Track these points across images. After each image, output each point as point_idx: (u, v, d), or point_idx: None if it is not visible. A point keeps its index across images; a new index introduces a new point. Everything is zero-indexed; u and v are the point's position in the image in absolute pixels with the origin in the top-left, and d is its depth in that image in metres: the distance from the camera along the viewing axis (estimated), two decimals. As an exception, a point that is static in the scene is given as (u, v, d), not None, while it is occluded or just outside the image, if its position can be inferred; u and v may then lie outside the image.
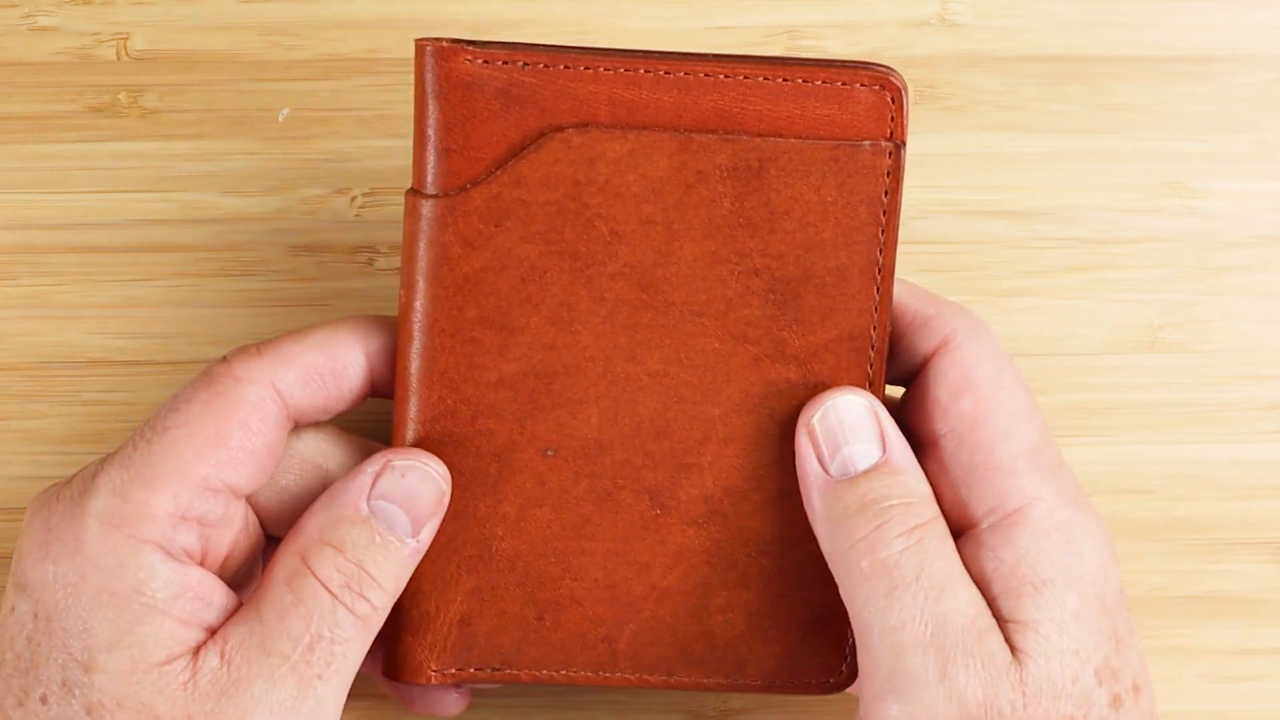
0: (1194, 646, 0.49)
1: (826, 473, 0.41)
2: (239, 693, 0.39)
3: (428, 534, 0.41)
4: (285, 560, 0.40)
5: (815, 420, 0.41)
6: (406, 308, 0.41)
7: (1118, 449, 0.49)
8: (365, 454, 0.43)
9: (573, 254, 0.41)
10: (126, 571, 0.39)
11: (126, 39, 0.49)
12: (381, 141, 0.49)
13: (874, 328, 0.42)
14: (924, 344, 0.43)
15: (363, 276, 0.49)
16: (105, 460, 0.41)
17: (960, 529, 0.42)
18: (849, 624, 0.42)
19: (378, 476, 0.41)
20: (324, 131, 0.49)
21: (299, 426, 0.42)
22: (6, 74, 0.49)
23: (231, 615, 0.40)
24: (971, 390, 0.41)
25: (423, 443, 0.42)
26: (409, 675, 0.43)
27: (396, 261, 0.48)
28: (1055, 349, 0.49)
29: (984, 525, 0.41)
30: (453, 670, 0.43)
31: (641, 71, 0.41)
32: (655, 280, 0.41)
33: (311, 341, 0.42)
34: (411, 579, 0.42)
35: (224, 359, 0.41)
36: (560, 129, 0.41)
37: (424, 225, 0.41)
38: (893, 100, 0.41)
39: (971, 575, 0.41)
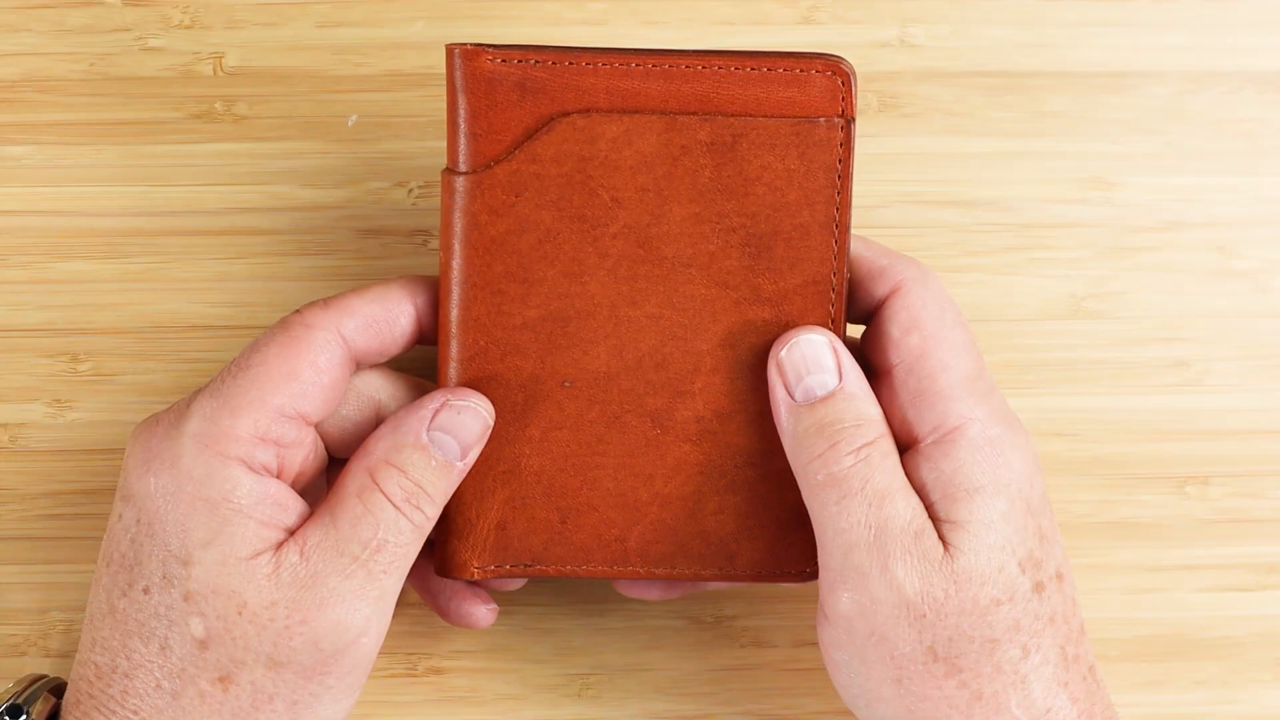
0: (1111, 564, 0.51)
1: (792, 398, 0.43)
2: (316, 584, 0.41)
3: (472, 457, 0.44)
4: (355, 476, 0.43)
5: (783, 354, 0.43)
6: (445, 267, 0.44)
7: (1048, 400, 0.51)
8: (414, 390, 0.46)
9: (580, 217, 0.44)
10: (216, 482, 0.41)
11: (221, 57, 0.51)
12: (434, 143, 0.51)
13: (834, 274, 0.44)
14: (879, 289, 0.44)
15: (418, 255, 0.51)
16: (197, 392, 0.43)
17: (907, 445, 0.44)
18: None
19: (437, 412, 0.43)
20: (386, 134, 0.51)
21: (359, 367, 0.45)
22: (121, 86, 0.51)
23: (305, 520, 0.43)
24: (918, 328, 0.43)
25: (462, 379, 0.44)
26: (456, 572, 0.45)
27: None
28: (995, 316, 0.51)
29: (927, 441, 0.43)
30: (491, 567, 0.45)
31: (633, 65, 0.43)
32: (650, 238, 0.44)
33: (370, 295, 0.44)
34: (456, 494, 0.44)
35: (297, 311, 0.44)
36: (566, 114, 0.43)
37: (457, 198, 0.43)
38: (843, 84, 0.43)
39: (915, 484, 0.43)
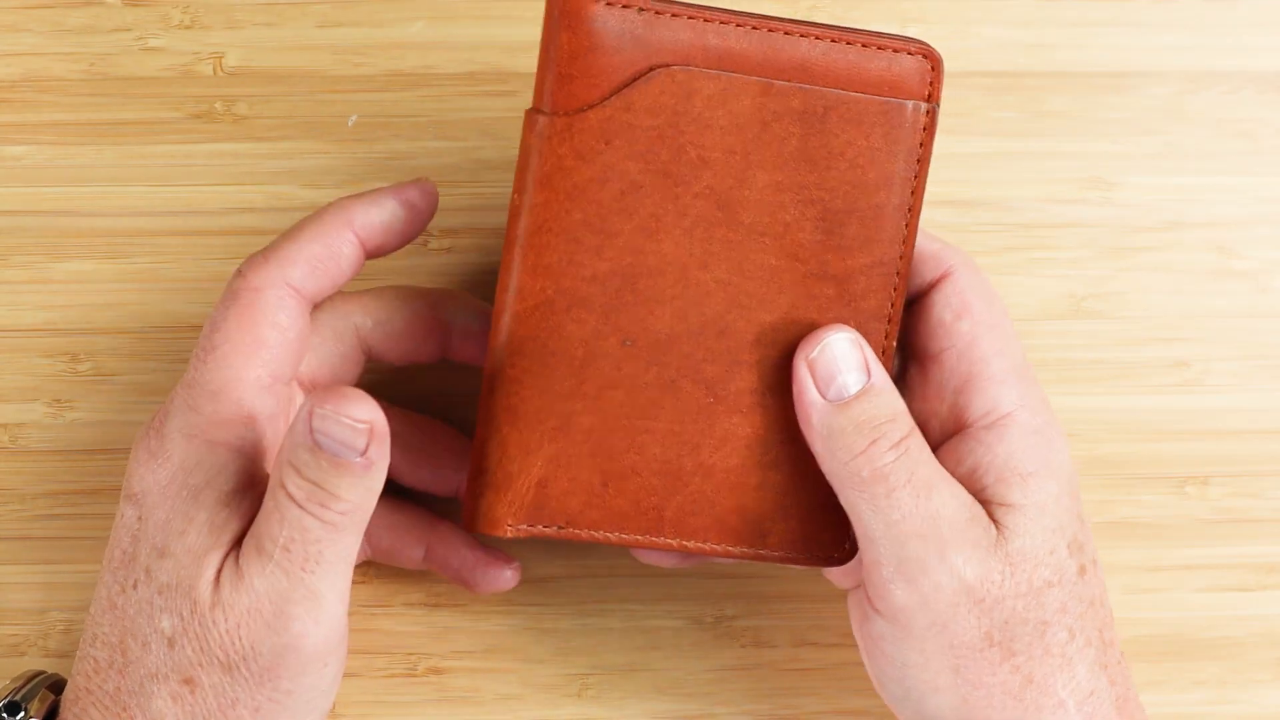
0: (1111, 564, 0.51)
1: (824, 398, 0.43)
2: (242, 586, 0.40)
3: (376, 452, 0.40)
4: (273, 471, 0.41)
5: (814, 355, 0.43)
6: (518, 209, 0.43)
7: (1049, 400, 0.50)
8: (386, 305, 0.45)
9: (665, 173, 0.43)
10: (202, 468, 0.41)
11: (221, 57, 0.51)
12: (434, 143, 0.51)
13: (900, 258, 0.44)
14: (929, 273, 0.45)
15: (419, 256, 0.51)
16: (175, 388, 0.43)
17: (957, 428, 0.44)
18: None
19: (309, 418, 0.39)
20: (386, 135, 0.51)
21: (316, 306, 0.44)
22: (121, 86, 0.51)
23: None
24: (969, 314, 0.44)
25: (523, 329, 0.43)
26: (489, 528, 0.44)
27: (446, 243, 0.51)
28: None
29: (979, 425, 0.43)
30: (524, 526, 0.44)
31: (734, 25, 0.43)
32: (730, 201, 0.43)
33: (306, 236, 0.43)
34: (498, 446, 0.43)
35: (239, 273, 0.43)
36: (667, 66, 0.42)
37: (543, 139, 0.42)
38: (933, 68, 0.43)
39: (966, 467, 0.43)
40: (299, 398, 0.44)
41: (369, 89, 0.51)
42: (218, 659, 0.41)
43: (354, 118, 0.51)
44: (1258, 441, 0.52)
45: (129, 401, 0.51)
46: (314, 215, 0.44)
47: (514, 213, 0.43)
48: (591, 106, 0.42)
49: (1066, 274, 0.52)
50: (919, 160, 0.44)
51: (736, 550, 0.45)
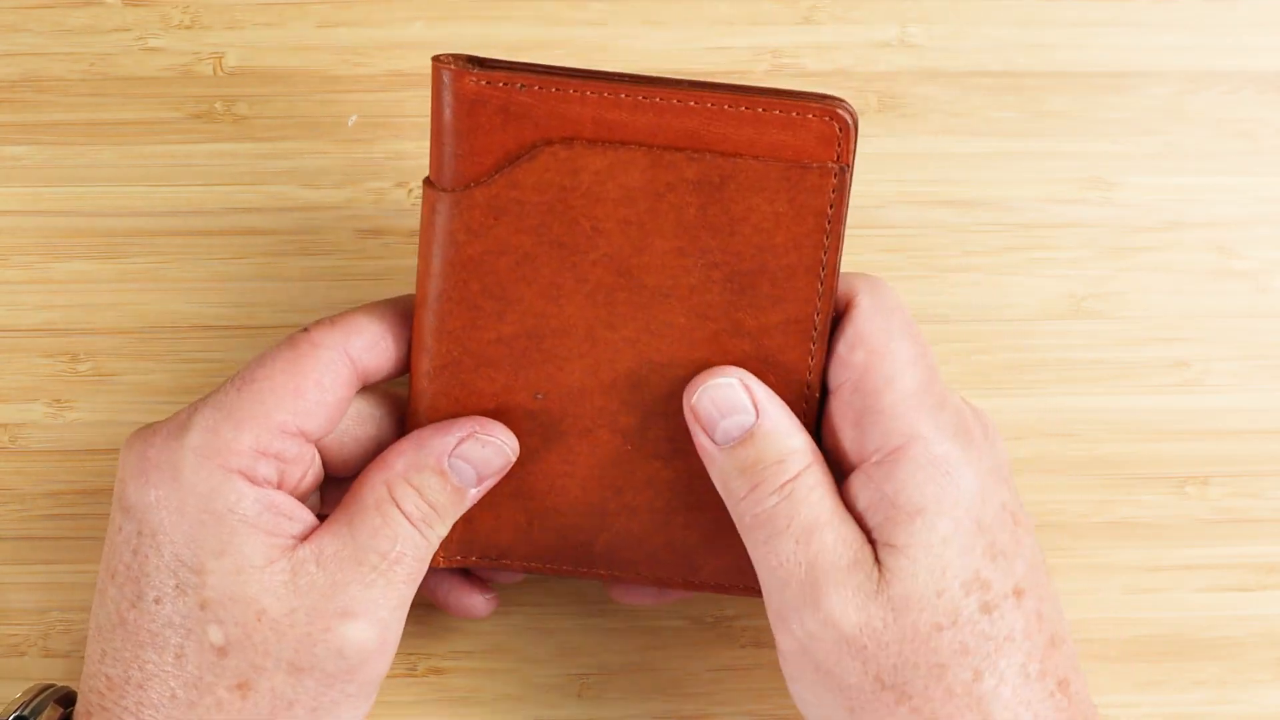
0: (1111, 564, 0.51)
1: (714, 441, 0.42)
2: (337, 593, 0.41)
3: (486, 487, 0.44)
4: (373, 489, 0.43)
5: (695, 400, 0.43)
6: (423, 278, 0.43)
7: (1047, 399, 0.51)
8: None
9: (560, 244, 0.42)
10: (219, 495, 0.41)
11: (221, 57, 0.51)
12: None
13: (816, 314, 0.43)
14: (835, 311, 0.44)
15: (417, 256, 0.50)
16: (198, 404, 0.43)
17: (855, 464, 0.43)
18: None
19: (463, 440, 0.43)
20: (386, 134, 0.51)
21: (363, 385, 0.44)
22: (121, 86, 0.51)
23: (312, 530, 0.42)
24: (863, 343, 0.42)
25: (434, 387, 0.44)
26: None
27: None
28: (995, 316, 0.51)
29: (872, 461, 0.42)
30: (458, 557, 0.46)
31: (622, 96, 0.41)
32: (630, 267, 0.43)
33: (376, 313, 0.44)
34: None
35: (304, 329, 0.43)
36: (550, 143, 0.42)
37: (437, 214, 0.42)
38: (840, 130, 0.41)
39: (859, 507, 0.42)
40: (318, 462, 0.44)
41: (369, 89, 0.51)
42: (286, 662, 0.41)
43: (354, 118, 0.51)
44: (1258, 441, 0.52)
45: (129, 401, 0.51)
46: (385, 300, 0.45)
47: (420, 281, 0.44)
48: (479, 183, 0.42)
49: (1066, 274, 0.52)
50: (830, 220, 0.42)
51: (670, 580, 0.46)
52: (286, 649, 0.41)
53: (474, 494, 0.44)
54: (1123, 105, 0.52)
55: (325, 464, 0.45)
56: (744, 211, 0.42)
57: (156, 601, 0.41)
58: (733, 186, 0.42)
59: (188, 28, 0.51)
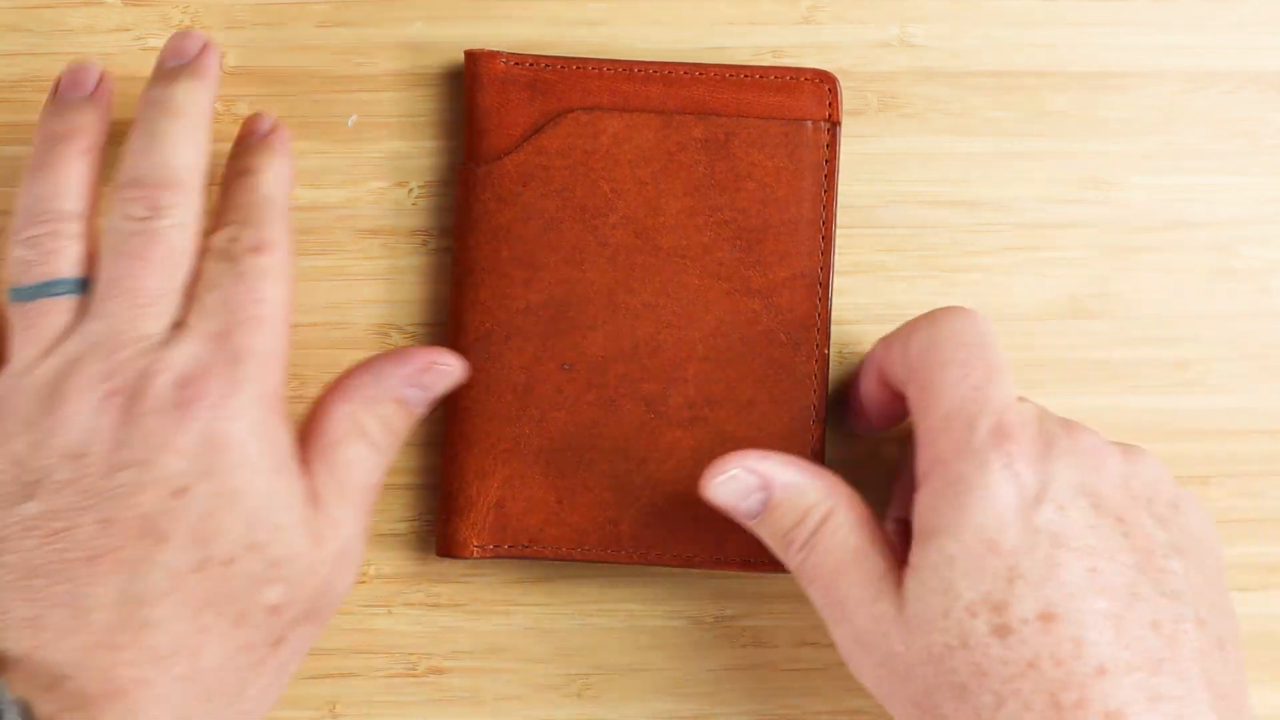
0: None
1: (745, 518, 0.45)
2: (339, 531, 0.44)
3: (426, 407, 0.47)
4: (339, 421, 0.45)
5: (711, 496, 0.45)
6: (456, 254, 0.47)
7: (1048, 400, 0.50)
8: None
9: (582, 207, 0.47)
10: (281, 444, 0.43)
11: (222, 57, 0.50)
12: (434, 142, 0.51)
13: (820, 268, 0.47)
14: (899, 359, 0.45)
15: (418, 255, 0.51)
16: (210, 375, 0.43)
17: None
18: None
19: (422, 371, 0.46)
20: (386, 134, 0.51)
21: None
22: (121, 86, 0.49)
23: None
24: (915, 379, 0.44)
25: (466, 358, 0.47)
26: (457, 550, 0.48)
27: (447, 242, 0.50)
28: (995, 316, 0.49)
29: (917, 487, 0.44)
30: (490, 546, 0.47)
31: (635, 71, 0.47)
32: (647, 229, 0.47)
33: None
34: (458, 471, 0.48)
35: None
36: (571, 110, 0.47)
37: (468, 188, 0.47)
38: (830, 90, 0.47)
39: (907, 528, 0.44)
40: None
41: (369, 89, 0.51)
42: (308, 611, 0.43)
43: (354, 118, 0.51)
44: (1258, 441, 0.52)
45: (129, 401, 0.51)
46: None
47: (454, 258, 0.48)
48: (507, 153, 0.47)
49: (1066, 274, 0.52)
50: (826, 175, 0.47)
51: (696, 558, 0.48)
52: (315, 598, 0.43)
53: (421, 412, 0.47)
54: (1123, 105, 0.52)
55: None
56: (748, 167, 0.47)
57: (226, 563, 0.41)
58: (736, 143, 0.47)
59: (188, 28, 0.51)
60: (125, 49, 0.51)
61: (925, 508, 0.42)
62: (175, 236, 0.44)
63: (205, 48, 0.46)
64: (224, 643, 0.41)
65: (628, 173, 0.47)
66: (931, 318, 0.44)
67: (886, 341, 0.46)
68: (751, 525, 0.45)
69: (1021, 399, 0.44)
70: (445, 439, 0.48)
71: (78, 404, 0.42)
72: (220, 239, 0.44)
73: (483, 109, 0.47)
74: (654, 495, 0.47)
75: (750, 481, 0.45)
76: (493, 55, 0.47)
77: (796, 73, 0.47)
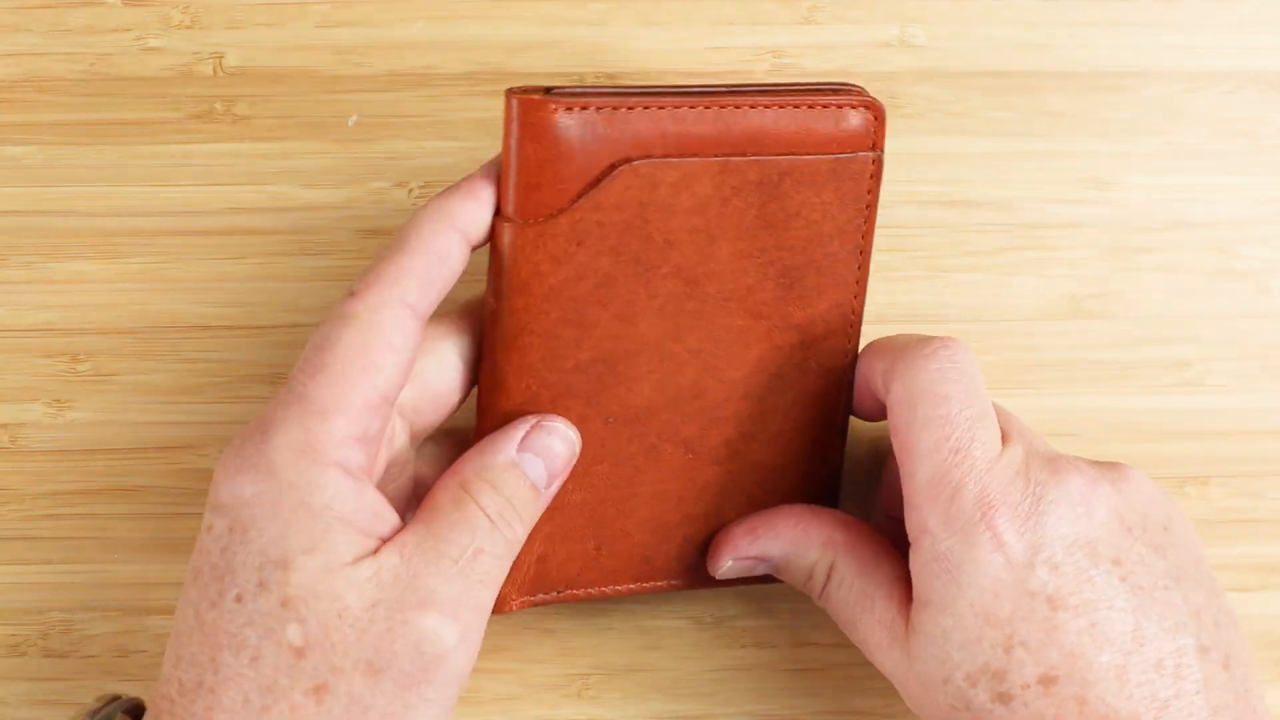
0: None
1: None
2: (418, 584, 0.40)
3: (556, 486, 0.44)
4: (447, 490, 0.42)
5: (722, 576, 0.47)
6: (497, 314, 0.43)
7: (1048, 400, 0.52)
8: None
9: (636, 260, 0.43)
10: (315, 490, 0.40)
11: (221, 57, 0.51)
12: (434, 143, 0.51)
13: (855, 297, 0.45)
14: (882, 394, 0.45)
15: None
16: (278, 400, 0.41)
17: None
18: None
19: (529, 433, 0.43)
20: (386, 134, 0.51)
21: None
22: (121, 86, 0.50)
23: (398, 530, 0.41)
24: (896, 434, 0.43)
25: (514, 419, 0.44)
26: (497, 608, 0.45)
27: None
28: (995, 316, 0.51)
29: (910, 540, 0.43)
30: (529, 598, 0.46)
31: (687, 109, 0.43)
32: (697, 276, 0.44)
33: (414, 248, 0.42)
34: None
35: (351, 294, 0.42)
36: (629, 160, 0.42)
37: (515, 248, 0.42)
38: (876, 119, 0.44)
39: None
40: (398, 421, 0.44)
41: (369, 89, 0.51)
42: (365, 662, 0.40)
43: (354, 118, 0.51)
44: (1258, 441, 0.52)
45: (129, 401, 0.51)
46: (414, 222, 0.43)
47: (492, 317, 0.43)
48: (562, 211, 0.42)
49: (1066, 274, 0.52)
50: (868, 206, 0.45)
51: (726, 580, 0.48)
52: (366, 648, 0.40)
53: (545, 495, 0.43)
54: (1123, 105, 0.52)
55: (410, 427, 0.45)
56: (797, 206, 0.44)
57: (238, 600, 0.40)
58: (789, 183, 0.44)
59: (188, 28, 0.51)
60: (125, 49, 0.51)
61: (917, 576, 0.43)
62: None
63: None
64: (240, 683, 0.40)
65: (682, 222, 0.43)
66: (907, 360, 0.43)
67: (868, 358, 0.46)
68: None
69: (1006, 437, 0.43)
70: None
71: None
72: None
73: (534, 162, 0.42)
74: (688, 529, 0.47)
75: (746, 565, 0.47)
76: (540, 103, 0.41)
77: (844, 100, 0.44)
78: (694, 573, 0.47)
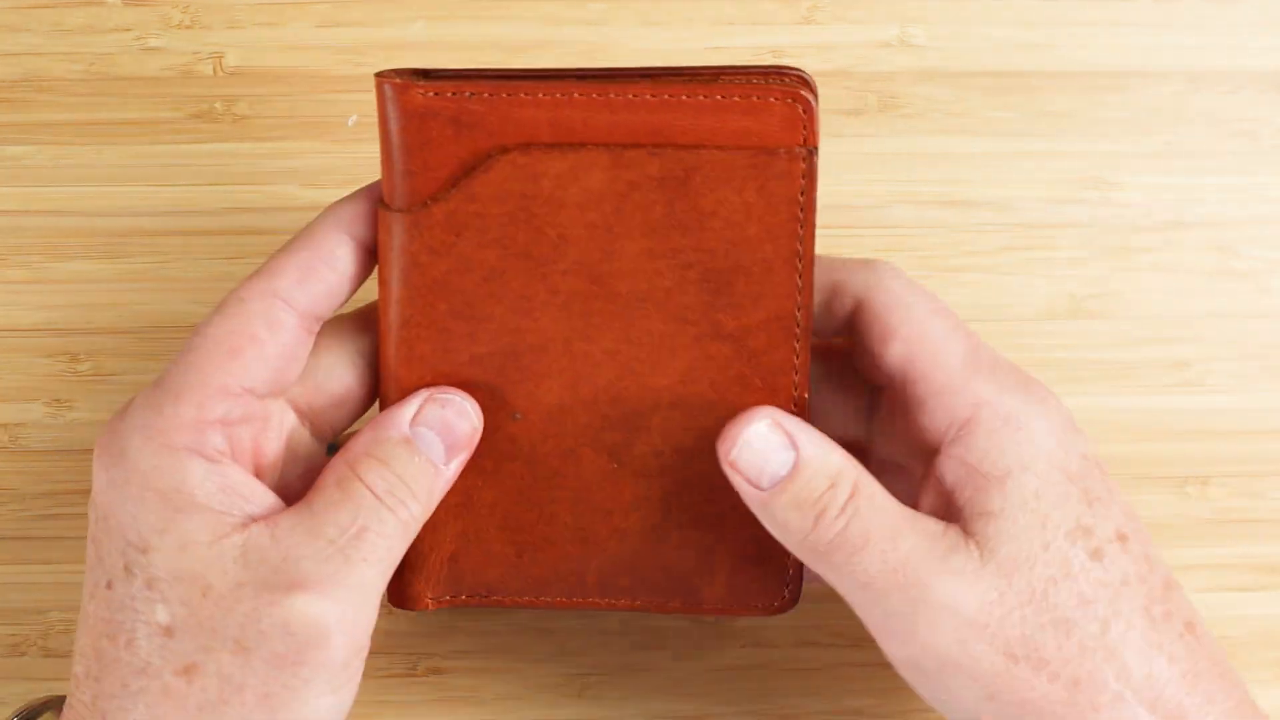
0: None
1: (760, 489, 0.41)
2: (288, 566, 0.39)
3: (455, 467, 0.42)
4: (335, 469, 0.41)
5: (734, 455, 0.41)
6: (385, 304, 0.42)
7: None
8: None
9: (527, 255, 0.41)
10: (164, 473, 0.40)
11: (221, 57, 0.51)
12: None
13: (798, 309, 0.42)
14: (843, 309, 0.43)
15: None
16: (143, 388, 0.41)
17: (932, 450, 0.42)
18: (788, 556, 0.43)
19: (422, 406, 0.42)
20: (386, 134, 0.52)
21: (320, 319, 0.42)
22: (121, 86, 0.51)
23: (277, 512, 0.41)
24: (895, 335, 0.42)
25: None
26: (410, 604, 0.44)
27: None
28: (994, 316, 0.51)
29: (947, 440, 0.41)
30: (446, 597, 0.44)
31: (576, 95, 0.40)
32: (602, 274, 0.41)
33: (296, 245, 0.42)
34: None
35: (234, 290, 0.42)
36: (505, 150, 0.40)
37: (394, 236, 0.41)
38: (804, 111, 0.40)
39: (948, 485, 0.42)
40: (288, 417, 0.43)
41: (369, 89, 0.49)
42: (232, 640, 0.39)
43: (354, 118, 0.51)
44: (1258, 441, 0.52)
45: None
46: (309, 224, 0.43)
47: (382, 307, 0.42)
48: (435, 200, 0.41)
49: (1066, 274, 0.52)
50: (802, 208, 0.41)
51: (669, 605, 0.45)
52: (233, 626, 0.39)
53: (446, 473, 0.42)
54: (1123, 105, 0.52)
55: (311, 428, 0.44)
56: (713, 205, 0.41)
57: (109, 587, 0.40)
58: (698, 179, 0.41)
59: (188, 28, 0.51)
60: (125, 49, 0.51)
61: (987, 451, 0.41)
62: None
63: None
64: (119, 669, 0.40)
65: (576, 216, 0.41)
66: (876, 274, 0.43)
67: (847, 269, 0.44)
68: (766, 498, 0.41)
69: None
70: None
71: None
72: None
73: (401, 147, 0.40)
74: (620, 546, 0.44)
75: (778, 439, 0.41)
76: (407, 85, 0.40)
77: (764, 91, 0.40)
78: (633, 595, 0.45)
